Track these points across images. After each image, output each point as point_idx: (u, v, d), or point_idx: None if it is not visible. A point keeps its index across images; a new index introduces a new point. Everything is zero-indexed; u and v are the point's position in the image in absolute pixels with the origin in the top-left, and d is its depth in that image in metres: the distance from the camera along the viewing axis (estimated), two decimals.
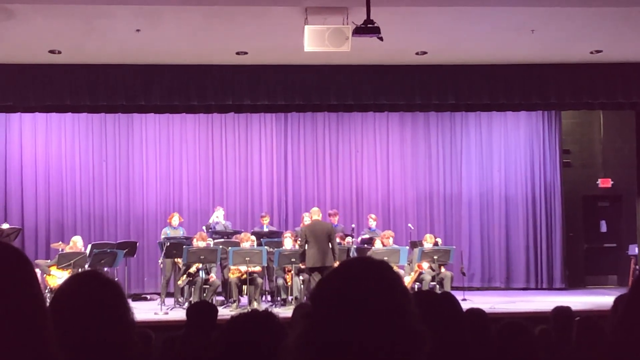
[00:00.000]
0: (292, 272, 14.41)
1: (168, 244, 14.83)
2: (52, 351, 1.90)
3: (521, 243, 18.45)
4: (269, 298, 15.65)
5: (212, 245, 14.96)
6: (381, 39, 11.30)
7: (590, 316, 6.42)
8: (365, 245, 15.72)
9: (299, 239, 14.28)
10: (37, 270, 2.28)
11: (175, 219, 16.20)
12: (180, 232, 16.07)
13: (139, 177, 18.20)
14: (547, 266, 18.28)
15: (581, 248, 18.69)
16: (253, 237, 15.24)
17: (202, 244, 14.62)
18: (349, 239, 15.79)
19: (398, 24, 12.21)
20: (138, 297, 16.68)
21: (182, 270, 14.81)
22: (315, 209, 15.01)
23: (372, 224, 16.71)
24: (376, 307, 1.82)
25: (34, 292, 1.94)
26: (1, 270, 1.91)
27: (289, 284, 14.55)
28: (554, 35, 13.29)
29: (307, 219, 16.04)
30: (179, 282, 14.85)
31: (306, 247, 13.89)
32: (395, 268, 1.96)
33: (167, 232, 15.98)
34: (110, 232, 17.79)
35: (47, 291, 13.24)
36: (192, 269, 14.53)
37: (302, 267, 14.28)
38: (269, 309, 3.62)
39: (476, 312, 4.89)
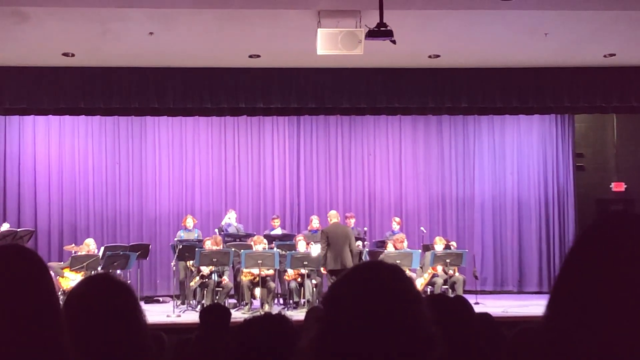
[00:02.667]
0: (305, 274, 14.43)
1: (180, 246, 14.86)
2: (67, 351, 1.91)
3: (534, 246, 18.39)
4: (281, 301, 15.64)
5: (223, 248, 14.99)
6: (394, 42, 11.29)
7: None
8: (378, 248, 15.70)
9: (321, 242, 14.26)
10: (51, 272, 2.30)
11: (190, 222, 16.24)
12: (195, 235, 16.08)
13: (151, 179, 18.23)
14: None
15: None
16: (266, 241, 15.23)
17: (216, 249, 14.61)
18: (358, 242, 15.73)
19: (411, 27, 12.22)
20: (150, 300, 16.70)
21: (194, 272, 14.83)
22: (333, 212, 15.05)
23: (396, 227, 16.66)
24: (388, 310, 1.82)
25: (49, 293, 1.95)
26: (18, 272, 1.92)
27: (299, 280, 14.56)
28: (567, 39, 13.27)
29: (315, 222, 16.04)
30: (192, 284, 14.86)
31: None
32: (407, 271, 1.96)
33: (181, 235, 16.01)
34: (123, 235, 17.81)
35: (60, 293, 13.27)
36: (206, 271, 14.53)
37: (324, 271, 14.26)
38: (282, 312, 3.63)
39: (483, 317, 4.87)
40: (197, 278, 14.65)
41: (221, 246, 14.78)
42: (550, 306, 1.50)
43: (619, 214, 1.50)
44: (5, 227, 15.29)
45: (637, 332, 1.35)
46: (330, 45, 11.81)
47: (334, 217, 14.67)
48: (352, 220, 16.31)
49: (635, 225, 1.46)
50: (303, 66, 14.70)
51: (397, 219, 16.95)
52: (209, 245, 14.75)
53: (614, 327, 1.36)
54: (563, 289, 1.49)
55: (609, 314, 1.37)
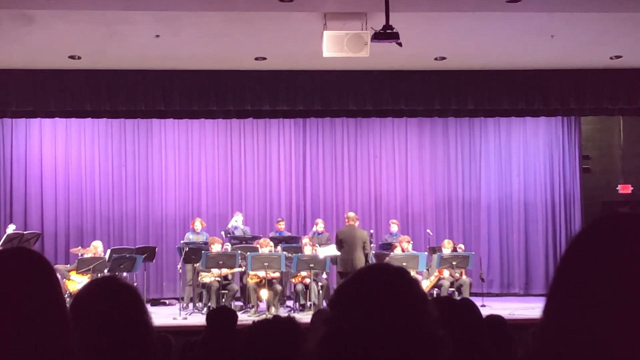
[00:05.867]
0: (311, 277, 14.43)
1: (187, 249, 14.86)
2: (73, 354, 1.91)
3: (540, 249, 18.37)
4: (287, 303, 15.62)
5: (228, 250, 15.00)
6: (400, 44, 11.28)
7: None
8: (384, 251, 15.68)
9: (336, 244, 14.30)
10: (57, 275, 2.31)
11: (198, 224, 16.23)
12: (203, 237, 16.05)
13: (158, 182, 18.25)
14: None
15: None
16: (272, 243, 15.23)
17: (217, 247, 14.61)
18: None
19: (417, 30, 12.21)
20: (157, 302, 16.70)
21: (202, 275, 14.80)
22: (352, 214, 15.02)
23: (395, 229, 16.69)
24: (395, 312, 1.82)
25: (56, 295, 1.95)
26: (24, 274, 1.93)
27: (305, 283, 14.56)
28: (573, 41, 13.25)
29: (320, 225, 16.07)
30: (202, 279, 14.75)
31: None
32: (413, 273, 1.96)
33: (189, 237, 15.99)
34: (129, 237, 17.83)
35: (66, 296, 13.26)
36: (217, 272, 14.51)
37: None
38: (289, 315, 3.64)
39: (495, 319, 4.86)
40: (210, 274, 14.55)
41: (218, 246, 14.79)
42: (546, 306, 1.50)
43: (615, 214, 1.50)
44: (12, 228, 15.31)
45: (633, 331, 1.35)
46: (336, 47, 11.80)
47: (351, 219, 14.65)
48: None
49: (631, 224, 1.46)
50: (309, 68, 14.70)
51: (395, 221, 16.99)
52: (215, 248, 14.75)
53: (610, 326, 1.36)
54: (559, 288, 1.49)
55: (604, 314, 1.37)
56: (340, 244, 13.99)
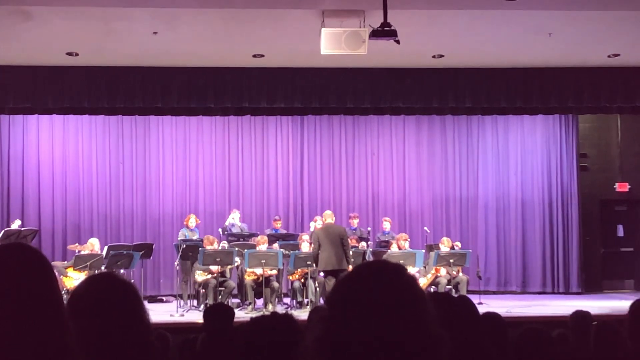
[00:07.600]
0: (308, 274, 14.42)
1: (184, 246, 14.84)
2: (71, 351, 1.91)
3: (538, 247, 18.37)
4: (284, 300, 15.62)
5: (226, 248, 14.99)
6: (398, 42, 11.29)
7: (608, 321, 6.33)
8: (382, 248, 15.67)
9: (313, 243, 14.22)
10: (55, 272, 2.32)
11: (192, 221, 16.18)
12: (197, 235, 16.04)
13: (155, 179, 18.22)
14: (564, 270, 18.18)
15: (598, 252, 18.55)
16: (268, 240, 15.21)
17: (210, 248, 14.59)
18: (362, 242, 15.71)
19: (415, 27, 12.21)
20: (154, 299, 16.70)
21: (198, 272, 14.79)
22: (329, 212, 14.90)
23: (387, 226, 16.69)
24: (393, 309, 1.81)
25: (54, 292, 1.95)
26: (22, 270, 1.92)
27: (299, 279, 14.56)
28: (571, 39, 13.26)
29: (319, 223, 16.04)
30: (197, 278, 14.76)
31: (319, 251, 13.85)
32: (410, 269, 1.95)
33: (185, 233, 15.96)
34: (126, 234, 17.80)
35: (63, 292, 13.25)
36: (214, 269, 14.51)
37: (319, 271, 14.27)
38: (287, 312, 3.64)
39: (492, 317, 4.86)
40: (206, 274, 14.57)
41: (215, 245, 14.76)
42: None
43: None
44: (17, 224, 15.32)
45: None
46: (334, 45, 11.80)
47: (328, 217, 14.52)
48: (356, 221, 16.32)
49: None
50: (307, 66, 14.70)
51: (388, 219, 16.98)
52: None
53: None
54: None
55: None
56: (318, 244, 13.77)
